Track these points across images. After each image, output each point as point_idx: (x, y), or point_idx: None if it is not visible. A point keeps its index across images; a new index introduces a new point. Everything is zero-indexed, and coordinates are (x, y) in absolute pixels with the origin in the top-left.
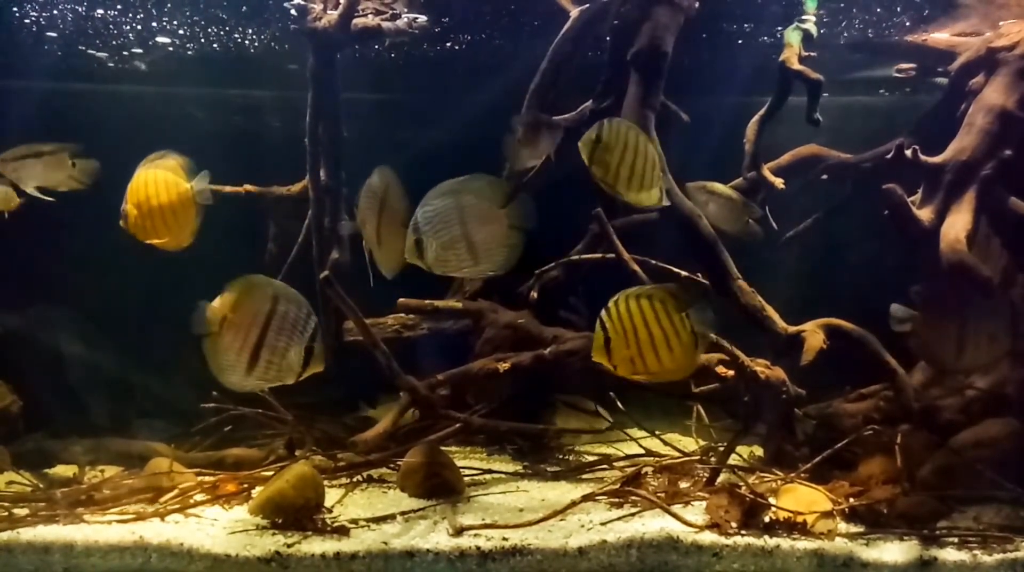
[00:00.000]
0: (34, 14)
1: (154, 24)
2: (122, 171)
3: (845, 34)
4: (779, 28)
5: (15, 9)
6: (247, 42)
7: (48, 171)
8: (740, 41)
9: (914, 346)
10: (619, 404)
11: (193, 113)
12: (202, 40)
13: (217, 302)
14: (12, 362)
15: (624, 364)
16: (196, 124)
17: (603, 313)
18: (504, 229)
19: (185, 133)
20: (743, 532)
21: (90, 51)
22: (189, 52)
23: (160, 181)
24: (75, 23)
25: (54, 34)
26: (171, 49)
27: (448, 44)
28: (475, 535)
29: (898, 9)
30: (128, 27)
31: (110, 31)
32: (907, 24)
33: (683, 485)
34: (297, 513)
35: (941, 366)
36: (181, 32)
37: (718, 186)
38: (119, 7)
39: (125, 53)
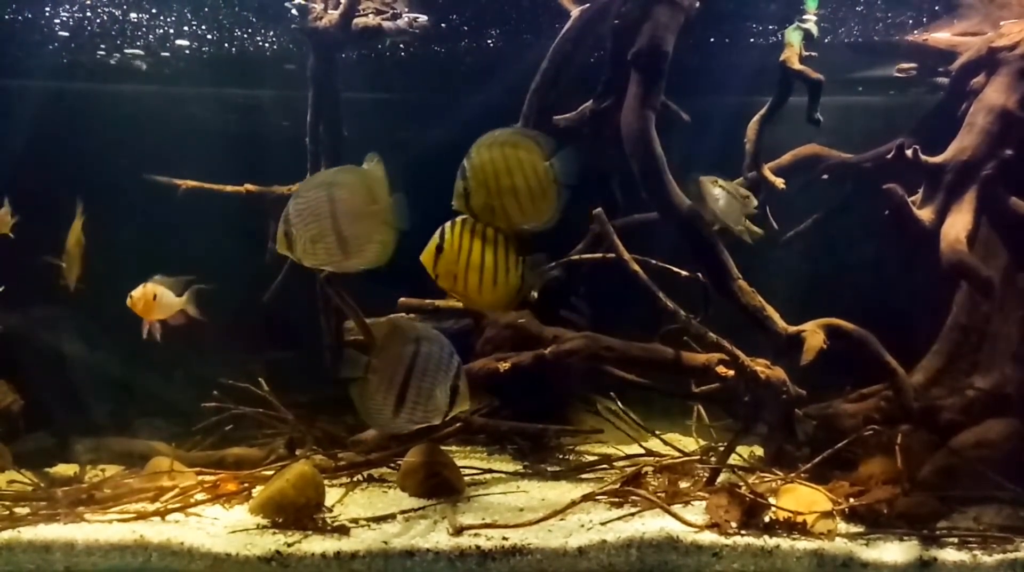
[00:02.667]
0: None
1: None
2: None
3: (848, 36)
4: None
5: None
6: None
7: None
8: (752, 40)
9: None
10: (619, 404)
11: (197, 113)
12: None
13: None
14: (13, 361)
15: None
16: (200, 123)
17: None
18: (377, 224)
19: (189, 133)
20: (743, 532)
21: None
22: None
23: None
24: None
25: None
26: (187, 52)
27: (450, 44)
28: (475, 534)
29: (889, 12)
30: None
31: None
32: (908, 24)
33: (683, 485)
34: (297, 512)
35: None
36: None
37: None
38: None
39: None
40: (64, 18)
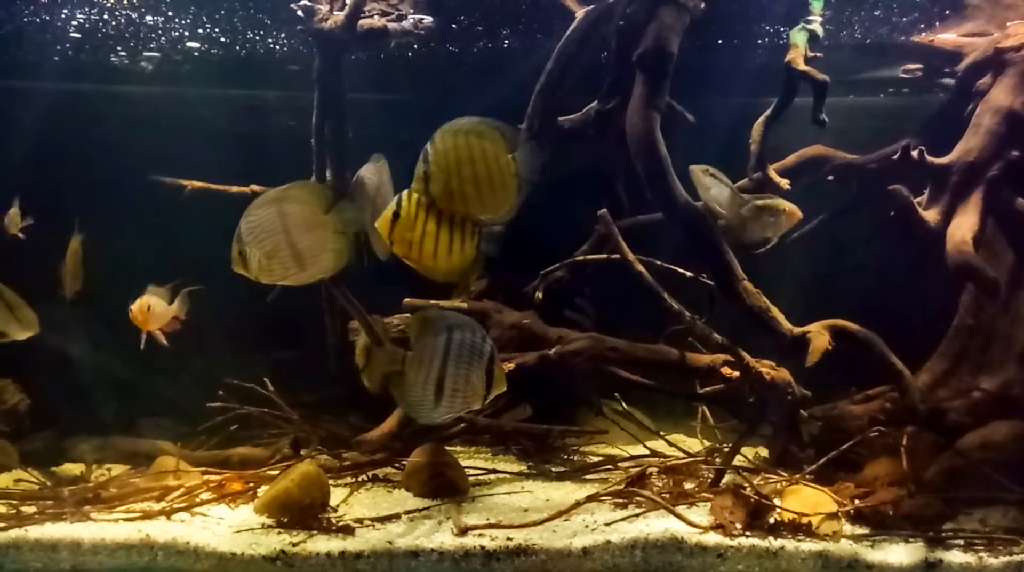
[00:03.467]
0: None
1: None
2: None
3: (853, 37)
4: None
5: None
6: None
7: None
8: (762, 41)
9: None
10: (623, 405)
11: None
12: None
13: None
14: (20, 361)
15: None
16: (204, 123)
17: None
18: (329, 234)
19: (194, 133)
20: (747, 533)
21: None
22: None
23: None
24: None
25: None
26: (197, 54)
27: (454, 45)
28: (479, 535)
29: (894, 13)
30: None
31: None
32: (915, 24)
33: (688, 486)
34: (302, 512)
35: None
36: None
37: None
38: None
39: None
40: (79, 20)
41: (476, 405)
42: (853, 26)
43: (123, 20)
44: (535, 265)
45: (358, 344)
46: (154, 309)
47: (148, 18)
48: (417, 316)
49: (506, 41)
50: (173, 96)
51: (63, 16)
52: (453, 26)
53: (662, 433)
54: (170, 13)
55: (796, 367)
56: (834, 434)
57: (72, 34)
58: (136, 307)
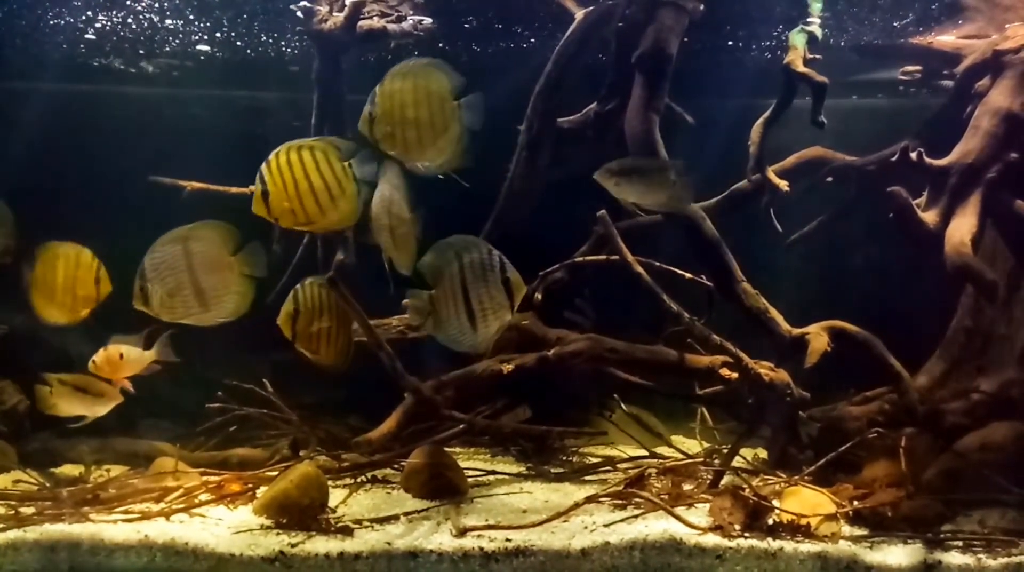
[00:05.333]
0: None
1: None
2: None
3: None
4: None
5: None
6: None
7: None
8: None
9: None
10: (622, 406)
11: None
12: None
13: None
14: (19, 361)
15: (285, 215)
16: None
17: (263, 165)
18: (234, 276)
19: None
20: (746, 534)
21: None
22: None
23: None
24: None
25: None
26: (203, 58)
27: (455, 46)
28: (478, 536)
29: (893, 15)
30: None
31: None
32: (913, 26)
33: (687, 487)
34: (301, 513)
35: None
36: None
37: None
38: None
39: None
40: (99, 24)
41: (508, 317)
42: (854, 27)
43: (145, 23)
44: (534, 266)
45: (283, 309)
46: (128, 355)
47: (168, 22)
48: (428, 255)
49: (513, 42)
50: (177, 97)
51: (83, 19)
52: (466, 26)
53: (664, 436)
54: (169, 14)
55: (795, 368)
56: (833, 435)
57: (87, 36)
58: (101, 358)
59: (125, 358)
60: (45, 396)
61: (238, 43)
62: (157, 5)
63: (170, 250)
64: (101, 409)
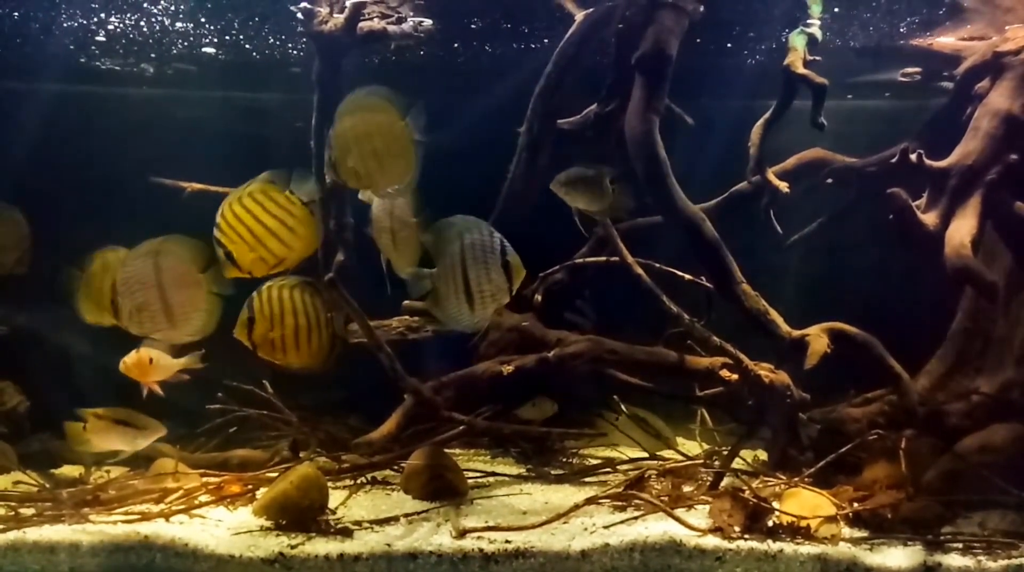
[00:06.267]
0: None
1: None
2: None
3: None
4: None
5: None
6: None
7: None
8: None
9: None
10: (622, 407)
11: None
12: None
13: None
14: (19, 362)
15: (256, 265)
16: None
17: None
18: (202, 293)
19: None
20: (746, 536)
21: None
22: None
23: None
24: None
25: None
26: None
27: (456, 47)
28: (478, 537)
29: (894, 17)
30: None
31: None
32: (913, 28)
33: (687, 489)
34: (301, 514)
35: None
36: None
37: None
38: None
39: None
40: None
41: (505, 299)
42: (855, 28)
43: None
44: (534, 267)
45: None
46: (158, 361)
47: (178, 24)
48: (431, 233)
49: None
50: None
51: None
52: (471, 27)
53: (671, 438)
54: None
55: (795, 370)
56: (833, 437)
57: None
58: (132, 360)
59: (155, 363)
60: (77, 433)
61: (246, 46)
62: (157, 6)
63: (140, 265)
64: (142, 442)
